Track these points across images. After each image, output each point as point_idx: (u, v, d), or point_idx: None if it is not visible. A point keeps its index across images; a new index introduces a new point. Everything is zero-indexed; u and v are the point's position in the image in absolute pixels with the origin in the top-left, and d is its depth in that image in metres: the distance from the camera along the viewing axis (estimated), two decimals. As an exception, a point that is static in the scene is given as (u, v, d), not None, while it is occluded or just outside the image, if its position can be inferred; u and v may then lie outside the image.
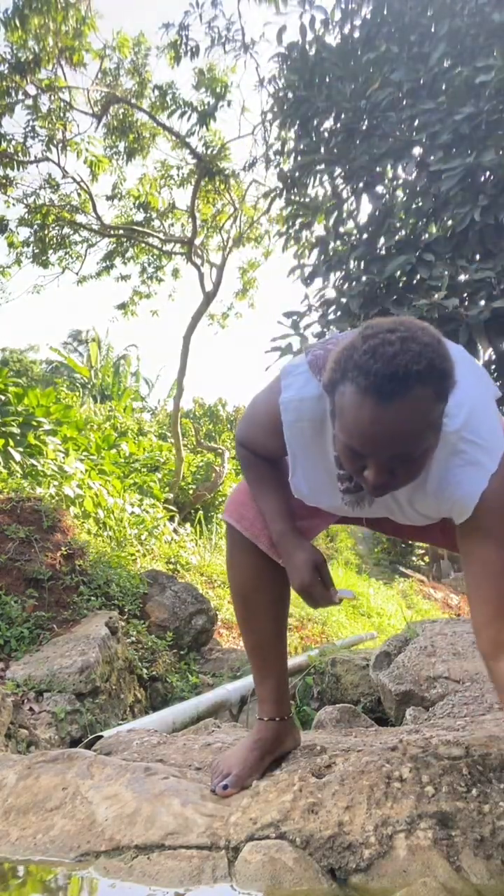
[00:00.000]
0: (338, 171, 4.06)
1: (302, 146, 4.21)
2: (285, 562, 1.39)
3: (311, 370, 1.25)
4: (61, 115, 8.14)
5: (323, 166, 4.07)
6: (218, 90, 7.94)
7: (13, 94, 7.64)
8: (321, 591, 1.36)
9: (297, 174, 4.25)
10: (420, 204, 3.76)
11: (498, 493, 1.16)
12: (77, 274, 10.10)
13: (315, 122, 4.13)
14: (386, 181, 4.04)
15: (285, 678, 1.56)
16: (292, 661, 3.98)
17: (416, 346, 1.03)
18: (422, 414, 1.05)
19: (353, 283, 3.89)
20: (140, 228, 9.77)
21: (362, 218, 4.18)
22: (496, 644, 1.15)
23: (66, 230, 9.56)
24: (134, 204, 9.66)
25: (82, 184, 8.98)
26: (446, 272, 3.44)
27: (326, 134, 4.10)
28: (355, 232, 4.13)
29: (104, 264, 10.00)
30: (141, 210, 9.69)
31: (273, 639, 1.52)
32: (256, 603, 1.50)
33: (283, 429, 1.30)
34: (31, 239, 9.30)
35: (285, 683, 1.56)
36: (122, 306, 10.60)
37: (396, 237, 3.82)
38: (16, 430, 6.59)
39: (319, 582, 1.36)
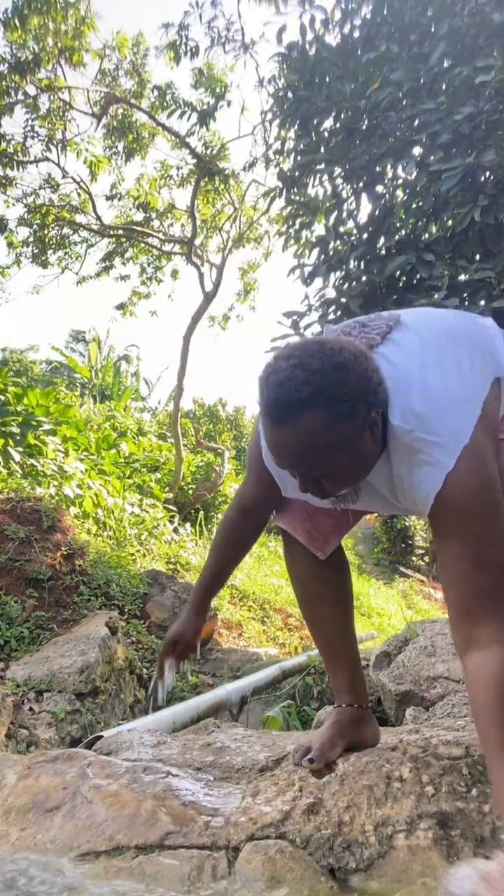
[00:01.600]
0: (338, 170, 4.06)
1: (302, 146, 4.21)
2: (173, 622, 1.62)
3: None
4: (61, 115, 8.14)
5: (323, 166, 4.07)
6: (217, 90, 7.94)
7: (13, 93, 7.64)
8: (161, 662, 1.61)
9: (296, 174, 4.25)
10: (420, 204, 3.76)
11: (455, 492, 1.13)
12: (77, 274, 10.11)
13: (315, 122, 4.13)
14: (386, 181, 4.04)
15: (358, 670, 1.56)
16: (292, 661, 3.98)
17: (302, 373, 1.07)
18: (317, 436, 1.09)
19: (353, 283, 3.89)
20: (140, 228, 9.76)
21: (362, 218, 4.18)
22: (465, 642, 1.14)
23: (66, 230, 9.55)
24: (134, 204, 9.66)
25: (82, 184, 8.98)
26: (446, 272, 3.44)
27: (326, 134, 4.09)
28: (355, 232, 4.13)
29: (104, 265, 9.99)
30: (140, 210, 9.68)
31: (339, 633, 1.54)
32: (318, 601, 1.53)
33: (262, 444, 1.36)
34: (31, 239, 9.30)
35: (359, 675, 1.56)
36: (121, 307, 10.60)
37: (396, 237, 3.82)
38: (15, 430, 6.60)
39: (169, 653, 1.64)
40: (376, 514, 1.68)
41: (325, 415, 1.08)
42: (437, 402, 1.17)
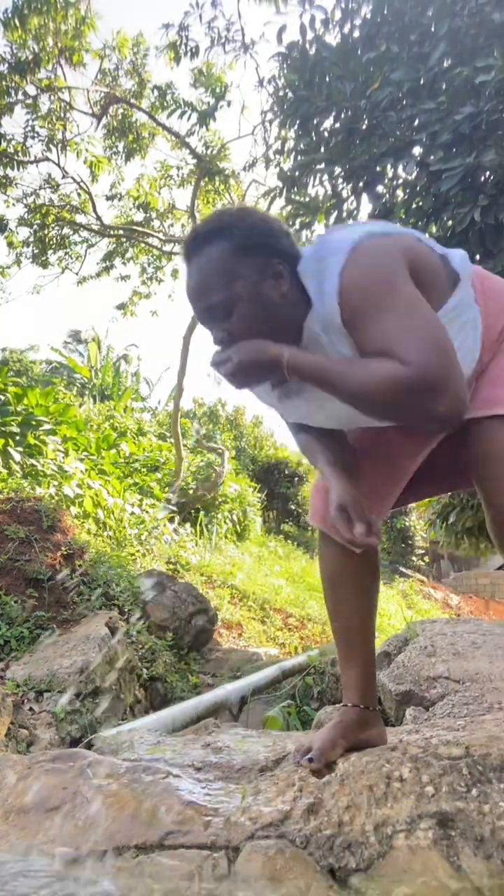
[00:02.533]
0: (338, 170, 4.06)
1: (302, 145, 4.21)
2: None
3: None
4: (61, 115, 8.14)
5: (323, 166, 4.07)
6: (217, 90, 7.94)
7: (13, 93, 7.64)
8: (344, 529, 1.31)
9: (297, 174, 4.25)
10: (420, 204, 3.76)
11: (352, 281, 1.17)
12: (77, 274, 10.11)
13: (315, 122, 4.13)
14: (386, 181, 4.04)
15: (371, 670, 1.57)
16: (292, 661, 3.98)
17: (213, 217, 1.26)
18: (215, 265, 1.21)
19: (353, 282, 3.88)
20: (140, 228, 9.76)
21: (362, 218, 4.18)
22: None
23: (66, 230, 9.55)
24: (134, 204, 9.66)
25: (82, 184, 8.98)
26: (446, 272, 3.43)
27: (326, 133, 4.09)
28: (355, 232, 4.12)
29: (104, 265, 9.99)
30: (141, 210, 9.68)
31: (358, 627, 1.54)
32: (341, 591, 1.54)
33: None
34: (31, 239, 9.30)
35: (370, 675, 1.57)
36: (122, 306, 10.60)
37: (396, 237, 3.81)
38: (15, 429, 6.59)
39: (344, 519, 1.31)
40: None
41: (226, 245, 1.21)
42: (333, 238, 1.27)
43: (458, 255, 1.40)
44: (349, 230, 1.29)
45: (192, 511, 9.45)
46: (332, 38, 4.16)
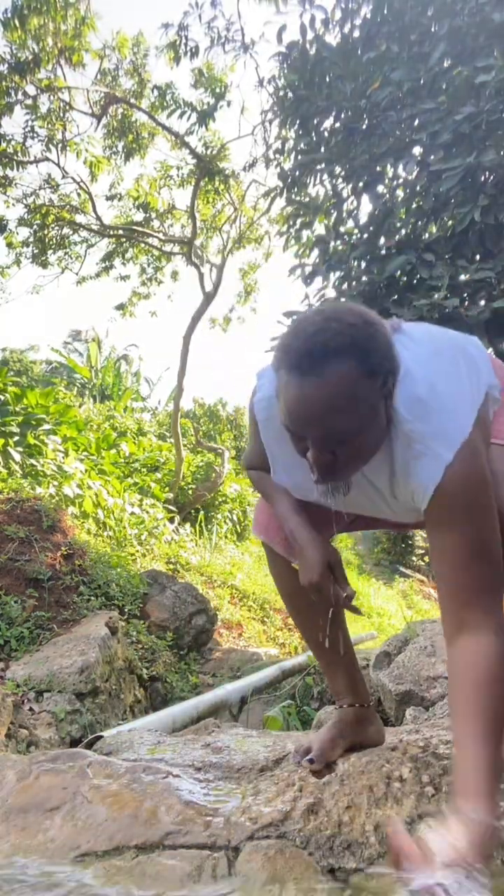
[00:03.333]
0: (338, 170, 4.06)
1: (302, 145, 4.21)
2: (298, 557, 1.37)
3: None
4: (61, 115, 8.13)
5: (323, 165, 4.07)
6: (217, 90, 7.94)
7: (13, 94, 7.64)
8: (333, 590, 1.32)
9: (297, 173, 4.25)
10: (420, 204, 3.76)
11: (455, 485, 1.13)
12: (77, 274, 10.10)
13: (315, 122, 4.13)
14: (386, 181, 4.04)
15: (355, 671, 1.55)
16: (292, 661, 3.98)
17: (336, 324, 1.06)
18: (345, 389, 1.06)
19: (353, 282, 3.89)
20: (140, 229, 9.76)
21: (362, 218, 4.18)
22: (456, 627, 1.14)
23: (66, 230, 9.55)
24: (134, 204, 9.65)
25: (82, 184, 8.97)
26: (446, 272, 3.44)
27: (326, 133, 4.09)
28: (355, 232, 4.13)
29: (104, 265, 9.99)
30: (140, 210, 9.68)
31: (331, 641, 1.50)
32: (302, 605, 1.50)
33: (259, 428, 1.34)
34: (31, 239, 9.29)
35: (356, 675, 1.55)
36: (121, 307, 10.60)
37: (396, 237, 3.82)
38: (15, 429, 6.59)
39: (331, 580, 1.32)
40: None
41: (357, 367, 1.06)
42: (440, 396, 1.16)
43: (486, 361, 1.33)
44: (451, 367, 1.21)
45: (192, 511, 9.44)
46: (332, 38, 4.17)
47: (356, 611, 1.43)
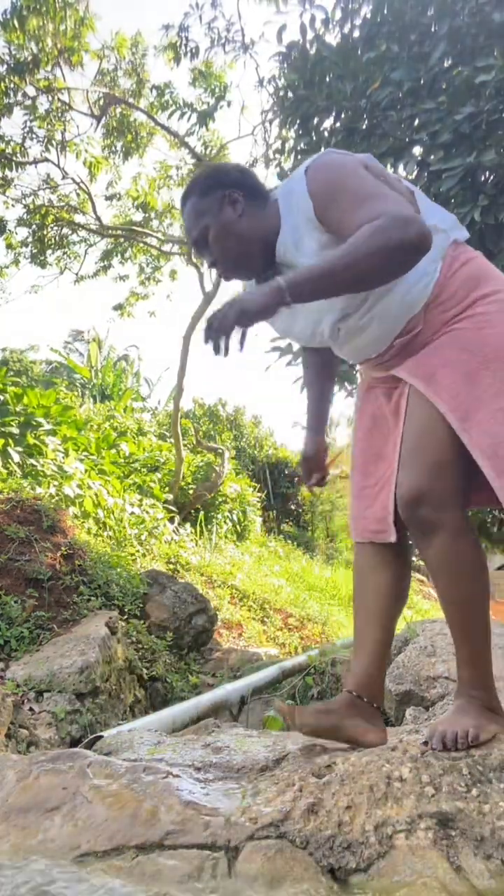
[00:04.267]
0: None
1: (302, 145, 4.21)
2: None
3: None
4: (60, 115, 8.13)
5: (323, 166, 4.06)
6: (217, 91, 7.94)
7: (12, 95, 7.63)
8: (305, 476, 1.91)
9: (297, 174, 4.25)
10: (420, 204, 3.76)
11: (315, 170, 1.46)
12: (76, 274, 10.09)
13: (315, 121, 4.13)
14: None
15: (371, 666, 1.60)
16: (292, 661, 3.98)
17: (192, 179, 1.64)
18: (192, 213, 1.56)
19: (353, 282, 3.88)
20: (139, 229, 9.76)
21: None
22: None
23: (65, 230, 9.54)
24: (133, 204, 9.65)
25: (82, 184, 8.97)
26: (446, 272, 3.43)
27: (327, 133, 4.09)
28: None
29: (102, 264, 9.98)
30: (140, 210, 9.68)
31: (371, 621, 1.61)
32: (357, 590, 1.66)
33: None
34: (30, 239, 9.29)
35: (370, 670, 1.59)
36: (119, 307, 10.59)
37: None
38: (15, 430, 6.58)
39: (306, 468, 1.89)
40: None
41: (197, 198, 1.57)
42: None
43: (445, 217, 1.56)
44: None
45: (192, 511, 9.44)
46: (333, 38, 4.17)
47: (323, 485, 1.91)
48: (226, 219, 1.53)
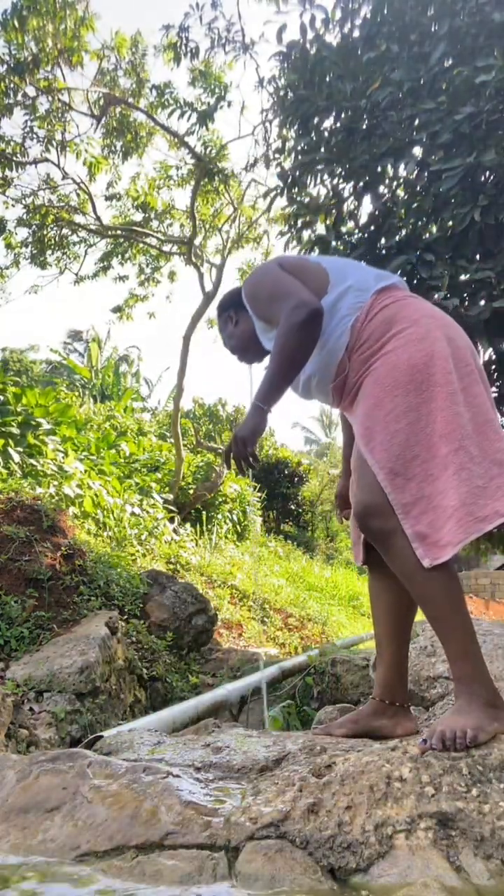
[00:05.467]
0: (338, 170, 4.06)
1: (302, 145, 4.21)
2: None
3: None
4: (60, 116, 8.13)
5: (323, 165, 4.06)
6: (217, 91, 7.93)
7: (12, 95, 7.63)
8: (338, 511, 2.17)
9: (297, 173, 4.25)
10: (420, 204, 3.76)
11: (248, 280, 1.94)
12: (76, 275, 10.09)
13: (315, 121, 4.13)
14: (386, 181, 4.04)
15: (391, 673, 1.77)
16: (292, 661, 3.98)
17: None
18: (218, 319, 2.13)
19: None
20: (139, 229, 9.75)
21: (363, 217, 4.18)
22: None
23: (65, 231, 9.54)
24: (133, 204, 9.65)
25: (82, 184, 8.96)
26: (446, 272, 3.44)
27: (327, 133, 4.09)
28: (356, 231, 4.13)
29: (101, 265, 9.98)
30: (139, 210, 9.67)
31: (381, 637, 1.80)
32: (372, 607, 1.84)
33: None
34: (30, 239, 9.28)
35: (391, 677, 1.77)
36: (118, 309, 10.58)
37: (396, 237, 3.82)
38: (15, 430, 6.58)
39: (338, 505, 2.16)
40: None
41: (219, 313, 2.12)
42: None
43: (365, 276, 1.85)
44: None
45: (192, 511, 9.44)
46: (333, 38, 4.17)
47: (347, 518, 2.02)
48: (229, 329, 2.10)
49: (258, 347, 2.01)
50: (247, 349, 2.05)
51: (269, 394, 1.72)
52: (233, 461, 1.77)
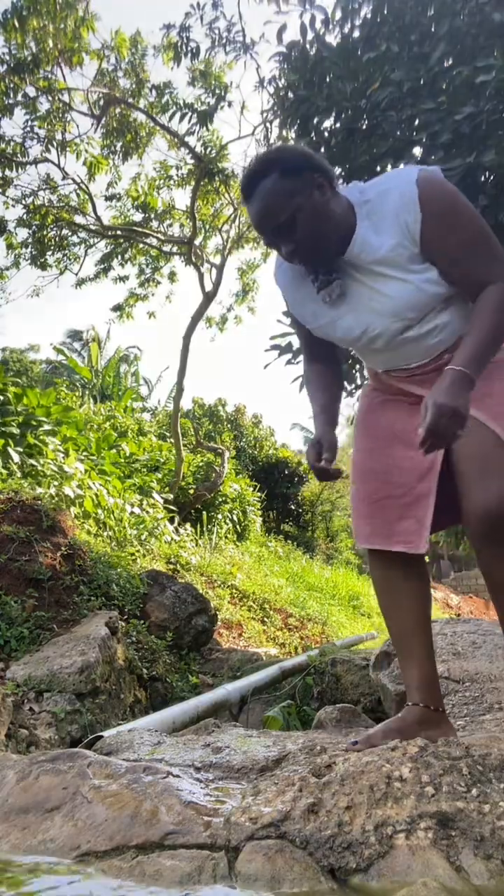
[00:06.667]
0: (338, 170, 4.05)
1: (302, 145, 4.21)
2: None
3: None
4: (60, 116, 8.13)
5: (323, 166, 4.06)
6: (217, 91, 7.93)
7: (12, 95, 7.64)
8: (314, 457, 1.59)
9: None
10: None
11: (428, 190, 1.44)
12: (76, 275, 10.09)
13: (315, 122, 4.12)
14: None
15: (429, 670, 1.61)
16: (292, 661, 3.98)
17: (260, 156, 1.51)
18: (272, 194, 1.45)
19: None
20: (139, 229, 9.75)
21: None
22: (477, 291, 1.47)
23: (65, 231, 9.54)
24: (133, 204, 9.64)
25: (82, 185, 8.97)
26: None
27: (327, 133, 4.09)
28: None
29: (102, 266, 9.97)
30: (139, 210, 9.67)
31: (410, 631, 1.62)
32: (390, 601, 1.66)
33: (283, 294, 1.69)
34: (30, 240, 9.28)
35: (429, 675, 1.61)
36: (118, 307, 10.58)
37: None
38: (15, 430, 6.58)
39: (315, 450, 1.59)
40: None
41: (278, 175, 1.45)
42: (378, 181, 1.57)
43: None
44: None
45: (192, 511, 9.44)
46: (333, 38, 4.16)
47: (332, 477, 1.57)
48: (318, 203, 1.46)
49: (334, 247, 1.50)
50: (329, 242, 1.49)
51: (479, 364, 1.40)
52: (440, 439, 1.35)
